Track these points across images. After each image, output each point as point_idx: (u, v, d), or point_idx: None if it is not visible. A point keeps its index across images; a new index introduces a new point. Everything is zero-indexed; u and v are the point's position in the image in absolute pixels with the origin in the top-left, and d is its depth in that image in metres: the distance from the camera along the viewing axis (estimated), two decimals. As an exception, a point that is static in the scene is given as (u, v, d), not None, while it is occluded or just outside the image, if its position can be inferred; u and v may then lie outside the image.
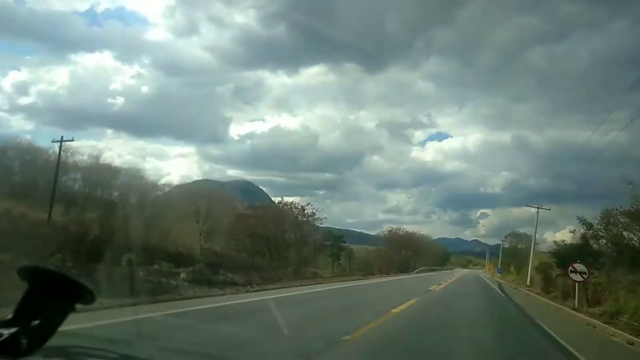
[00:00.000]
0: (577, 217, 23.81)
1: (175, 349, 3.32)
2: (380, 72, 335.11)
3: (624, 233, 20.37)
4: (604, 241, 22.12)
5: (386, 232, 60.45)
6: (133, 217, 17.73)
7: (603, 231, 21.68)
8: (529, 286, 36.41)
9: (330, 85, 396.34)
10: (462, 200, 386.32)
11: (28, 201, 18.39)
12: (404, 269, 56.46)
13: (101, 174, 22.78)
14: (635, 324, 12.51)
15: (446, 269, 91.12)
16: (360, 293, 21.71)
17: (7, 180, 20.47)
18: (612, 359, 10.10)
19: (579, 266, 18.32)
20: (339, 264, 41.10)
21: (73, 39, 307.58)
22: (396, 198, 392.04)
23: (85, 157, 23.17)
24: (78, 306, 1.03)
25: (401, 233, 61.35)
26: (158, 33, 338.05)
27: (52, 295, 0.98)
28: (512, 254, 63.07)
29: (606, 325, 13.07)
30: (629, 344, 10.61)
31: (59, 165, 20.73)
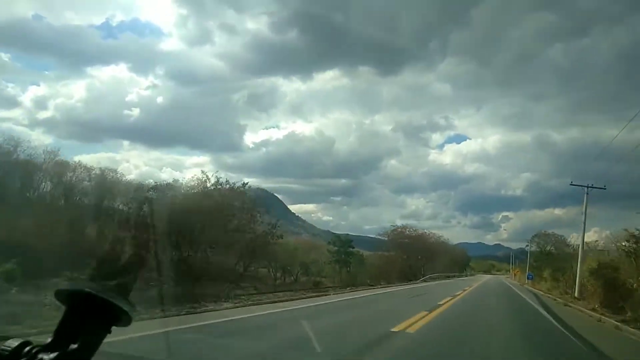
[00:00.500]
0: None
1: None
2: (395, 75, 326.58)
3: None
4: None
5: (389, 233, 49.91)
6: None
7: None
8: (577, 298, 25.89)
9: (344, 89, 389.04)
10: (483, 204, 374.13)
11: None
12: (411, 276, 45.98)
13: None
14: None
15: (465, 276, 79.71)
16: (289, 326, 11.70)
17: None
18: None
19: None
20: (348, 271, 35.75)
21: (89, 52, 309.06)
22: (415, 203, 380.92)
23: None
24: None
25: (408, 233, 50.70)
26: (171, 43, 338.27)
27: (89, 317, 0.97)
28: (542, 258, 52.72)
29: None
30: None
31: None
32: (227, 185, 22.71)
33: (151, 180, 22.97)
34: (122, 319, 1.01)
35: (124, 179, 22.17)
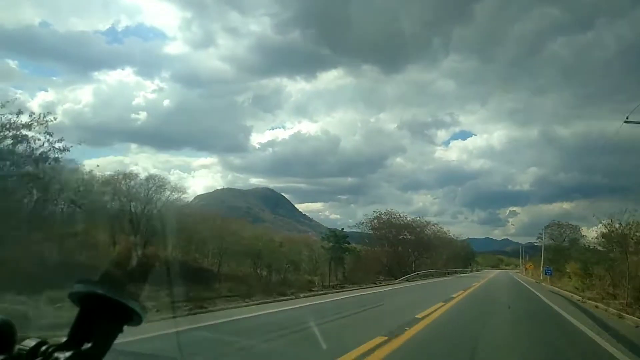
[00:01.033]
0: None
1: None
2: (398, 73, 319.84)
3: None
4: None
5: (372, 221, 40.45)
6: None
7: None
8: (628, 304, 16.47)
9: (348, 88, 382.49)
10: (490, 199, 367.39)
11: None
12: (399, 272, 36.51)
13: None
14: None
15: (470, 271, 69.90)
16: None
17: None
18: None
19: None
20: (344, 269, 32.90)
21: (95, 57, 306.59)
22: (421, 199, 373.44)
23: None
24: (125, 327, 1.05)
25: (394, 222, 41.14)
26: (176, 46, 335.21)
27: (103, 317, 1.01)
28: (562, 250, 43.88)
29: None
30: None
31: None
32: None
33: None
34: (133, 318, 1.04)
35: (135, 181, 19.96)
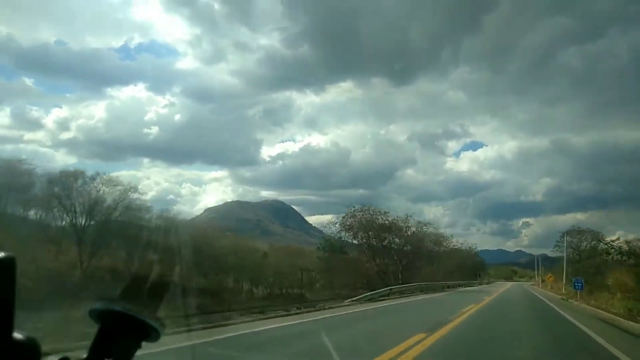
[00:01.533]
0: None
1: None
2: (408, 85, 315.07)
3: None
4: None
5: (345, 219, 31.70)
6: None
7: None
8: None
9: (358, 101, 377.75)
10: (502, 210, 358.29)
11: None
12: (383, 284, 27.58)
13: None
14: None
15: (478, 284, 60.26)
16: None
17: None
18: None
19: None
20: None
21: (108, 74, 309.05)
22: (432, 211, 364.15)
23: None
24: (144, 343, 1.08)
25: (379, 221, 32.28)
26: (187, 62, 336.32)
27: (122, 334, 1.03)
28: (588, 258, 35.38)
29: None
30: None
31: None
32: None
33: None
34: (151, 335, 1.07)
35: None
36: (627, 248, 32.46)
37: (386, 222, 32.32)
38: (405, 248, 34.20)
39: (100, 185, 17.74)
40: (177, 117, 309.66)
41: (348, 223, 31.30)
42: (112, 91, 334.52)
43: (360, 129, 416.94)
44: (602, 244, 50.73)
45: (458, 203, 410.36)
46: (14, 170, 16.20)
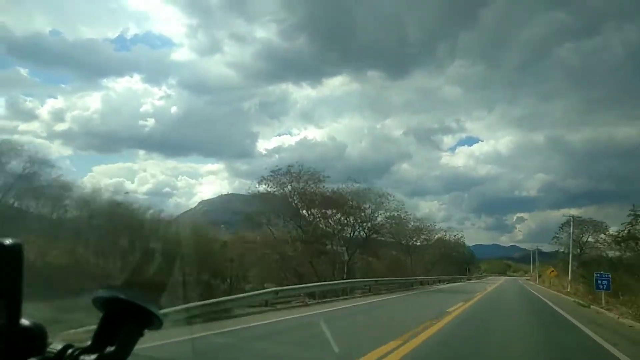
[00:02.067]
0: None
1: None
2: (404, 79, 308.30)
3: None
4: None
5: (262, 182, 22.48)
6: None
7: None
8: None
9: (354, 94, 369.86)
10: (497, 205, 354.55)
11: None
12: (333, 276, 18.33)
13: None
14: None
15: (464, 280, 51.06)
16: None
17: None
18: None
19: None
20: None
21: (104, 64, 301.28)
22: (428, 205, 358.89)
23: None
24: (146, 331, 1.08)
25: (317, 190, 22.92)
26: (183, 53, 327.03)
27: (125, 322, 1.03)
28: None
29: None
30: None
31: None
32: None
33: None
34: (154, 323, 1.06)
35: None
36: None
37: (328, 195, 22.86)
38: (358, 234, 24.89)
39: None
40: (173, 109, 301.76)
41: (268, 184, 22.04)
42: (107, 82, 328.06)
43: (356, 122, 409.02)
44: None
45: (453, 198, 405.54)
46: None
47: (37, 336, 0.92)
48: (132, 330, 1.04)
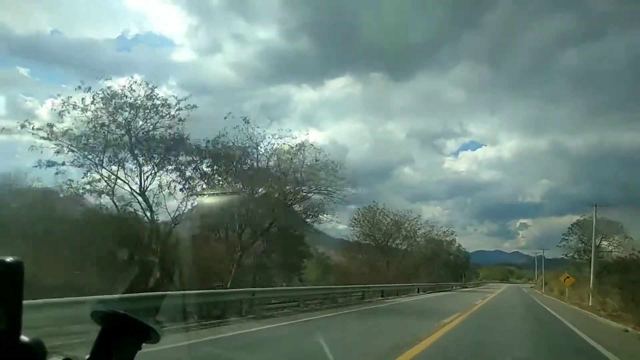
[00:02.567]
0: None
1: None
2: (407, 81, 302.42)
3: None
4: None
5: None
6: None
7: None
8: None
9: (356, 96, 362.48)
10: (500, 211, 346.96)
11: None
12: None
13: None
14: None
15: (455, 288, 41.51)
16: None
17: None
18: None
19: None
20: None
21: (105, 65, 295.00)
22: (430, 210, 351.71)
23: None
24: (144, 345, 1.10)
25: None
26: (183, 53, 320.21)
27: (123, 336, 1.05)
28: None
29: None
30: None
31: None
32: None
33: None
34: (151, 336, 1.07)
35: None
36: None
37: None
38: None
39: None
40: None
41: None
42: (108, 82, 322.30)
43: (358, 125, 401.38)
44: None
45: (456, 203, 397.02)
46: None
47: (37, 352, 0.89)
48: (130, 344, 1.05)
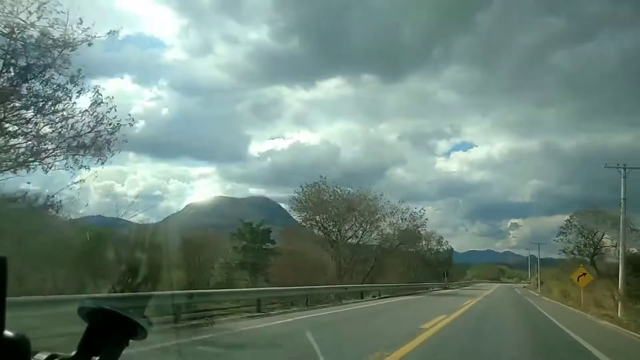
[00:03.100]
0: None
1: None
2: (398, 82, 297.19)
3: None
4: None
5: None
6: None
7: None
8: None
9: (348, 98, 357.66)
10: (491, 211, 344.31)
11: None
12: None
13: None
14: None
15: (421, 293, 32.26)
16: None
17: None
18: None
19: None
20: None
21: (94, 65, 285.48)
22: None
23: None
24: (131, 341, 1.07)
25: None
26: (174, 54, 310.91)
27: (110, 332, 1.02)
28: None
29: None
30: None
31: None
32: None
33: None
34: (138, 333, 1.04)
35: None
36: None
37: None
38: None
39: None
40: (164, 110, 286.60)
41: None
42: (97, 83, 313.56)
43: (350, 126, 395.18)
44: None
45: (447, 203, 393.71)
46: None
47: (21, 347, 0.87)
48: (117, 340, 1.02)
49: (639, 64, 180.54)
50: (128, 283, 9.63)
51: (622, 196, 18.31)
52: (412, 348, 6.73)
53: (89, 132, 8.97)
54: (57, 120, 8.77)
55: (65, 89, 8.80)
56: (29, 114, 8.63)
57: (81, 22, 8.55)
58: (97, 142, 8.95)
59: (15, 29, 7.95)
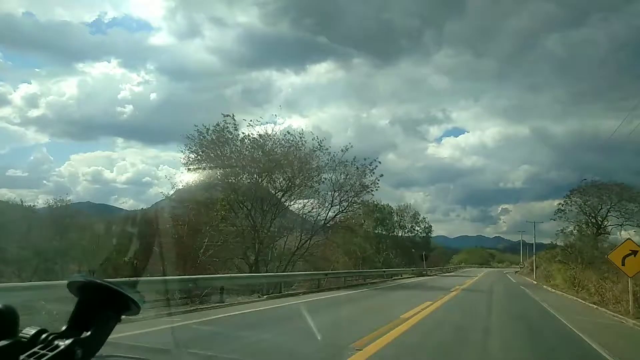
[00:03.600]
0: None
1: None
2: (390, 67, 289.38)
3: None
4: None
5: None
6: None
7: None
8: None
9: (339, 82, 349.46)
10: (482, 197, 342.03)
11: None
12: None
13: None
14: None
15: (380, 283, 23.45)
16: None
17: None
18: None
19: None
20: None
21: (80, 48, 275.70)
22: (414, 197, 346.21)
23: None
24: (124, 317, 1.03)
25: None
26: (161, 37, 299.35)
27: (101, 307, 0.98)
28: None
29: None
30: None
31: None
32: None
33: None
34: (131, 308, 1.01)
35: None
36: None
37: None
38: None
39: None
40: (153, 95, 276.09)
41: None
42: (83, 67, 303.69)
43: (342, 111, 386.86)
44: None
45: (439, 189, 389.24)
46: None
47: (8, 318, 0.87)
48: (109, 315, 0.98)
49: (629, 50, 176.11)
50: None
51: None
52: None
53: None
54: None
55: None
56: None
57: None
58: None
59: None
